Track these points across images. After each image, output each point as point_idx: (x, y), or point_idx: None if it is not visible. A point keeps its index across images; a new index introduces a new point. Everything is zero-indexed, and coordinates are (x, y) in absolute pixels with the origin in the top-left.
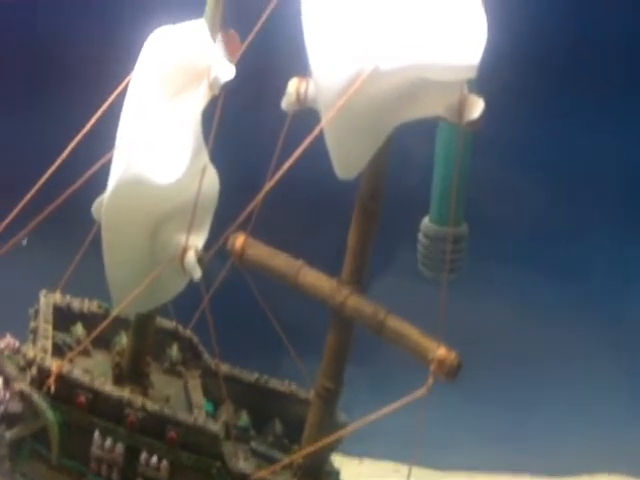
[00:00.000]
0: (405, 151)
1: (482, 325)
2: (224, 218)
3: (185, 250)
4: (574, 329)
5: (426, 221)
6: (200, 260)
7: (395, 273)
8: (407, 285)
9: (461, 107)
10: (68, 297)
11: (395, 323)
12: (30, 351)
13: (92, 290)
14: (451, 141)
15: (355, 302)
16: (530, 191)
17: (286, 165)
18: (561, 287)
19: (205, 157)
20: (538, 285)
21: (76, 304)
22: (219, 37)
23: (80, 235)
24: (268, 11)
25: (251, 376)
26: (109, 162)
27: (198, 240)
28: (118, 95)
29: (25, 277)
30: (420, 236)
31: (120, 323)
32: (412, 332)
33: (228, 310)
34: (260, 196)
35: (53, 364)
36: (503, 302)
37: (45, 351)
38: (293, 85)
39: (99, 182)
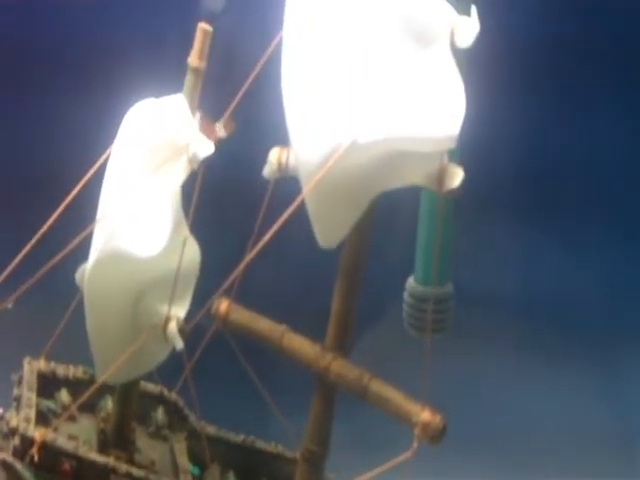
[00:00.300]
0: (390, 209)
1: (470, 383)
2: (210, 285)
3: (167, 320)
4: (567, 392)
5: (411, 281)
6: (181, 331)
7: (382, 333)
8: (394, 345)
9: (441, 176)
10: (52, 363)
11: (379, 387)
12: (13, 419)
13: (77, 356)
14: (434, 202)
15: (339, 367)
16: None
17: (267, 236)
18: (554, 349)
19: (185, 230)
20: (529, 343)
21: (61, 370)
22: (197, 115)
23: (64, 301)
24: (248, 82)
25: (237, 437)
26: (92, 231)
27: (180, 311)
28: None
29: (8, 343)
30: (406, 296)
31: (106, 387)
32: (396, 396)
33: (215, 370)
34: (242, 265)
35: (36, 433)
36: (493, 361)
37: (28, 420)
38: (274, 155)
39: (83, 248)
